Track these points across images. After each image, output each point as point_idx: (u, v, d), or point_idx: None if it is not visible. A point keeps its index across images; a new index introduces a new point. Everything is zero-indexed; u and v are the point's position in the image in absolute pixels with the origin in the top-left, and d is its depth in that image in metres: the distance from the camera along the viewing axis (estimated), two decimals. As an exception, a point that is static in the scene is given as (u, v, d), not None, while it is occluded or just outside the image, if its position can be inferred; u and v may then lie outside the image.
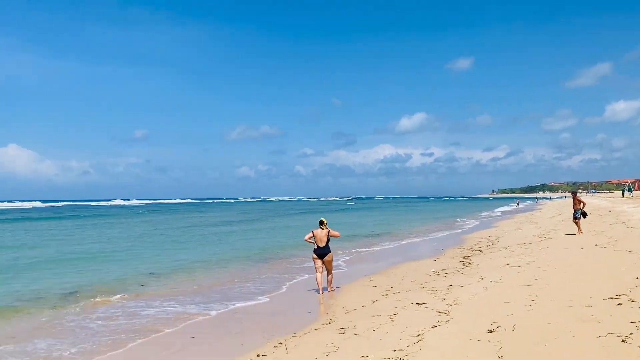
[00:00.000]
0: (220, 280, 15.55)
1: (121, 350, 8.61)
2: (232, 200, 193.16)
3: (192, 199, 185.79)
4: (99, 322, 10.52)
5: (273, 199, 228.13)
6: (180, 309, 11.60)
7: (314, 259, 13.31)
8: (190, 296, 13.04)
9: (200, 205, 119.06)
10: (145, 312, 11.36)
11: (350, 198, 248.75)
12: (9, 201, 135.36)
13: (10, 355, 8.32)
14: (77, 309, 11.63)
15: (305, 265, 18.36)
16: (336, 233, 13.53)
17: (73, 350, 8.57)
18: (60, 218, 56.45)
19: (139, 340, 9.14)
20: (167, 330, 9.77)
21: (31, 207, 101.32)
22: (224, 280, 15.40)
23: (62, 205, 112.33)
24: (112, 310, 11.53)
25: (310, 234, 13.41)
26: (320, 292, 13.01)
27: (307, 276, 15.40)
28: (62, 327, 10.15)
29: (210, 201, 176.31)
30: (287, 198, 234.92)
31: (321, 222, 13.40)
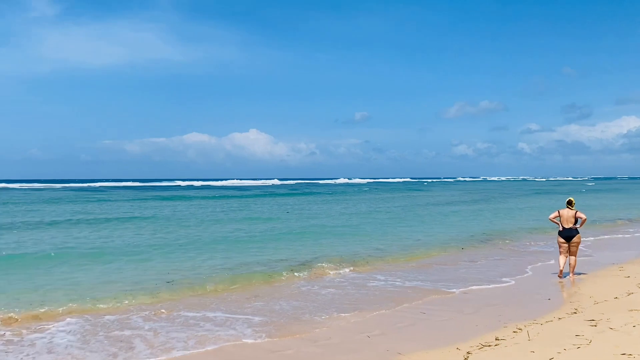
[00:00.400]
0: (444, 259, 15.33)
1: (360, 319, 9.03)
2: (450, 180, 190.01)
3: (411, 178, 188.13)
4: (331, 289, 11.32)
5: (494, 178, 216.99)
6: (407, 284, 11.75)
7: (559, 241, 12.17)
8: (414, 273, 13.13)
9: (419, 184, 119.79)
10: (372, 284, 11.82)
11: (587, 178, 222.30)
12: (252, 179, 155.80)
13: (260, 313, 9.44)
14: (310, 277, 12.68)
15: (532, 249, 17.03)
16: (583, 215, 12.13)
17: (321, 315, 9.31)
18: (296, 194, 62.52)
19: (383, 310, 9.51)
20: (396, 305, 9.95)
21: (270, 184, 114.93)
22: (448, 260, 15.12)
23: (295, 183, 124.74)
24: (339, 280, 12.34)
25: (556, 214, 12.26)
26: (561, 277, 11.83)
27: (553, 261, 14.08)
28: (299, 292, 11.15)
29: (429, 180, 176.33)
30: (509, 178, 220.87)
31: (569, 202, 12.18)
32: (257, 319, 9.03)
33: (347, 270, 13.44)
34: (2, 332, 8.25)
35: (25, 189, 74.76)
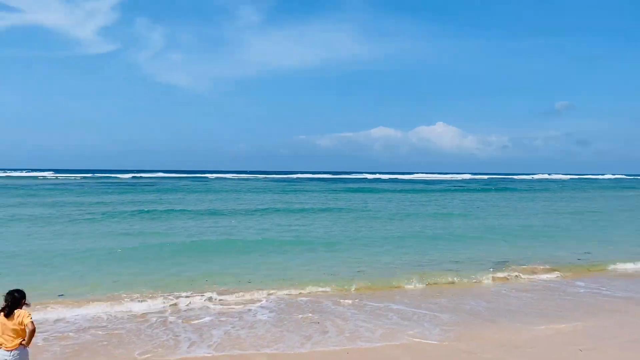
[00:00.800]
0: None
1: (569, 329, 8.12)
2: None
3: (625, 175, 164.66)
4: (526, 293, 10.49)
5: None
6: (617, 294, 10.33)
7: None
8: (625, 282, 11.50)
9: (636, 182, 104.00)
10: (574, 290, 10.71)
11: None
12: (439, 173, 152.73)
13: (448, 311, 9.12)
14: (503, 278, 11.85)
15: None
16: None
17: (519, 320, 8.64)
18: (489, 190, 58.87)
19: (595, 321, 8.44)
20: (608, 316, 8.70)
21: (460, 178, 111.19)
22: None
23: (488, 178, 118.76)
24: (535, 284, 11.39)
25: None
26: None
27: None
28: (490, 293, 10.57)
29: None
30: None
31: None
32: (445, 316, 8.74)
33: (546, 275, 12.25)
34: (216, 307, 9.30)
35: (235, 179, 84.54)
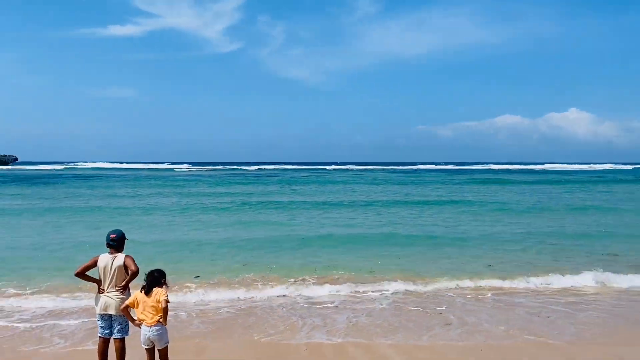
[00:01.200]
0: None
1: None
2: None
3: None
4: None
5: None
6: None
7: None
8: None
9: None
10: None
11: None
12: (573, 163, 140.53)
13: (586, 310, 8.33)
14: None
15: None
16: None
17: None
18: (637, 181, 52.67)
19: None
20: None
21: (600, 169, 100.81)
22: None
23: (632, 168, 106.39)
24: None
25: None
26: None
27: None
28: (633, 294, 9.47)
29: None
30: None
31: None
32: (582, 315, 8.00)
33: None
34: (339, 295, 9.37)
35: (354, 171, 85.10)
